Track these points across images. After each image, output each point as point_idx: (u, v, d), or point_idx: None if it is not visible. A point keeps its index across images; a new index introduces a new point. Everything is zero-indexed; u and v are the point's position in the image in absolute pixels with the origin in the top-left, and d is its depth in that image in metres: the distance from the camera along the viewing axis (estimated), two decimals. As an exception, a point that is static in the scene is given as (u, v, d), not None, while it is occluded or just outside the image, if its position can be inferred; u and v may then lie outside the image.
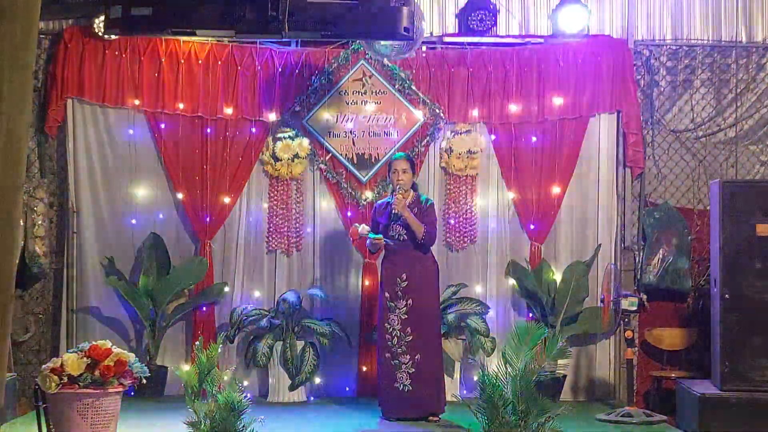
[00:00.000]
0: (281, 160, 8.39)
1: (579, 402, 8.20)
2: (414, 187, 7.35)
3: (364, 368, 8.30)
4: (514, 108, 8.47)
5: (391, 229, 7.19)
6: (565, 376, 8.20)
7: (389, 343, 7.12)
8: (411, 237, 7.15)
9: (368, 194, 8.45)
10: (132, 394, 7.33)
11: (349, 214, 8.46)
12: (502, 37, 8.54)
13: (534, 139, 8.49)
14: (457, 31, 8.51)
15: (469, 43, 8.48)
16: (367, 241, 7.30)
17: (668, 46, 8.63)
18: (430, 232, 7.19)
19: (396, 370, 7.08)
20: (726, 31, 8.61)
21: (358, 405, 7.83)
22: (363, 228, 7.30)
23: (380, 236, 7.16)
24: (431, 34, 8.52)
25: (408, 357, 7.07)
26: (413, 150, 8.30)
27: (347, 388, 8.41)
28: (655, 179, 8.59)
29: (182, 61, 8.38)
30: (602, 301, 7.50)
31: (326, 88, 8.46)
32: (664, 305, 8.44)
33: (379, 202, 7.54)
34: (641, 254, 8.45)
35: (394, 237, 7.19)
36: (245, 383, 7.84)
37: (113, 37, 8.03)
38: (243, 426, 5.66)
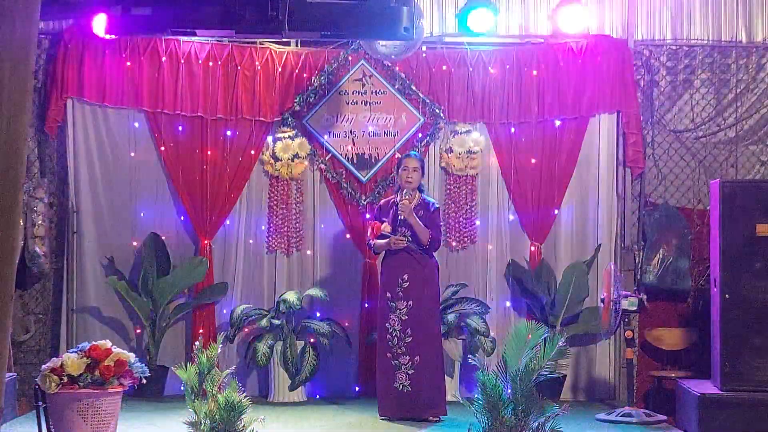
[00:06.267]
0: (281, 160, 8.39)
1: (579, 402, 8.20)
2: (420, 188, 7.34)
3: (364, 368, 8.29)
4: (514, 108, 8.47)
5: (397, 231, 7.17)
6: (565, 376, 8.20)
7: (389, 343, 7.12)
8: (416, 241, 7.15)
9: (368, 194, 8.45)
10: (132, 394, 7.32)
11: (349, 214, 8.46)
12: (502, 37, 8.54)
13: (534, 139, 8.49)
14: (457, 31, 8.51)
15: (469, 43, 8.48)
16: (385, 240, 7.17)
17: (668, 46, 8.63)
18: (436, 237, 7.19)
19: (395, 370, 7.08)
20: (726, 31, 8.61)
21: (358, 405, 7.83)
22: (385, 226, 7.22)
23: (403, 238, 7.10)
24: (431, 34, 8.52)
25: (407, 358, 7.08)
26: (413, 150, 8.29)
27: (347, 388, 8.41)
28: (655, 179, 8.59)
29: (182, 61, 8.37)
30: (602, 301, 7.49)
31: (326, 88, 8.45)
32: (664, 305, 8.44)
33: (384, 200, 7.54)
34: (641, 254, 8.45)
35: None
36: (245, 383, 7.86)
37: (113, 37, 8.02)
38: (243, 426, 5.66)
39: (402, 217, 7.09)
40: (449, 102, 8.50)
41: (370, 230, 7.31)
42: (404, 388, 7.06)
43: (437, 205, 7.39)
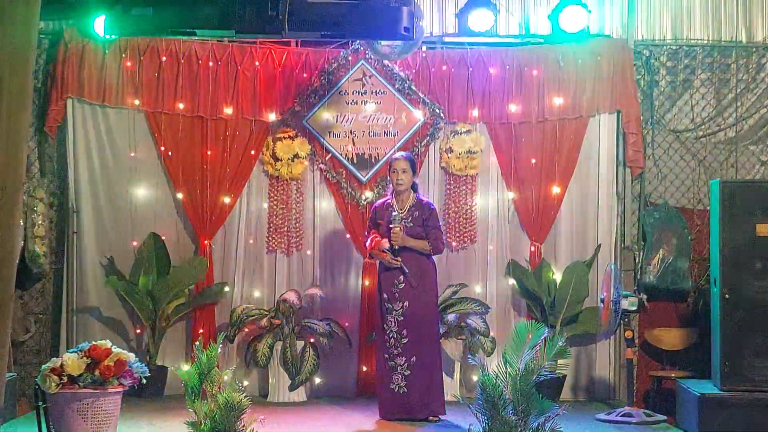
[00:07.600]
0: (281, 160, 8.39)
1: (579, 402, 8.20)
2: (414, 187, 7.33)
3: (364, 368, 8.30)
4: (514, 108, 8.47)
5: (396, 252, 7.14)
6: (565, 376, 8.20)
7: (387, 344, 7.12)
8: (417, 252, 7.15)
9: (368, 194, 8.45)
10: (132, 394, 7.32)
11: (349, 214, 8.47)
12: (502, 37, 8.54)
13: (534, 139, 8.49)
14: (457, 31, 8.51)
15: (469, 43, 8.48)
16: (381, 257, 7.16)
17: (668, 46, 8.63)
18: (437, 245, 7.17)
19: (392, 371, 7.08)
20: (726, 31, 8.61)
21: (358, 405, 7.83)
22: (384, 242, 7.14)
23: (398, 259, 7.08)
24: (431, 34, 8.52)
25: (404, 359, 7.07)
26: (413, 150, 8.30)
27: (347, 388, 8.41)
28: (655, 179, 8.59)
29: (182, 61, 8.38)
30: (602, 301, 7.49)
31: (326, 88, 8.46)
32: (664, 305, 8.44)
33: (379, 202, 7.53)
34: (641, 254, 8.45)
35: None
36: (245, 383, 7.86)
37: (113, 37, 8.02)
38: (243, 426, 5.66)
39: (397, 247, 7.08)
40: (449, 102, 8.50)
41: (369, 241, 7.27)
42: (400, 389, 7.06)
43: (434, 205, 7.38)
